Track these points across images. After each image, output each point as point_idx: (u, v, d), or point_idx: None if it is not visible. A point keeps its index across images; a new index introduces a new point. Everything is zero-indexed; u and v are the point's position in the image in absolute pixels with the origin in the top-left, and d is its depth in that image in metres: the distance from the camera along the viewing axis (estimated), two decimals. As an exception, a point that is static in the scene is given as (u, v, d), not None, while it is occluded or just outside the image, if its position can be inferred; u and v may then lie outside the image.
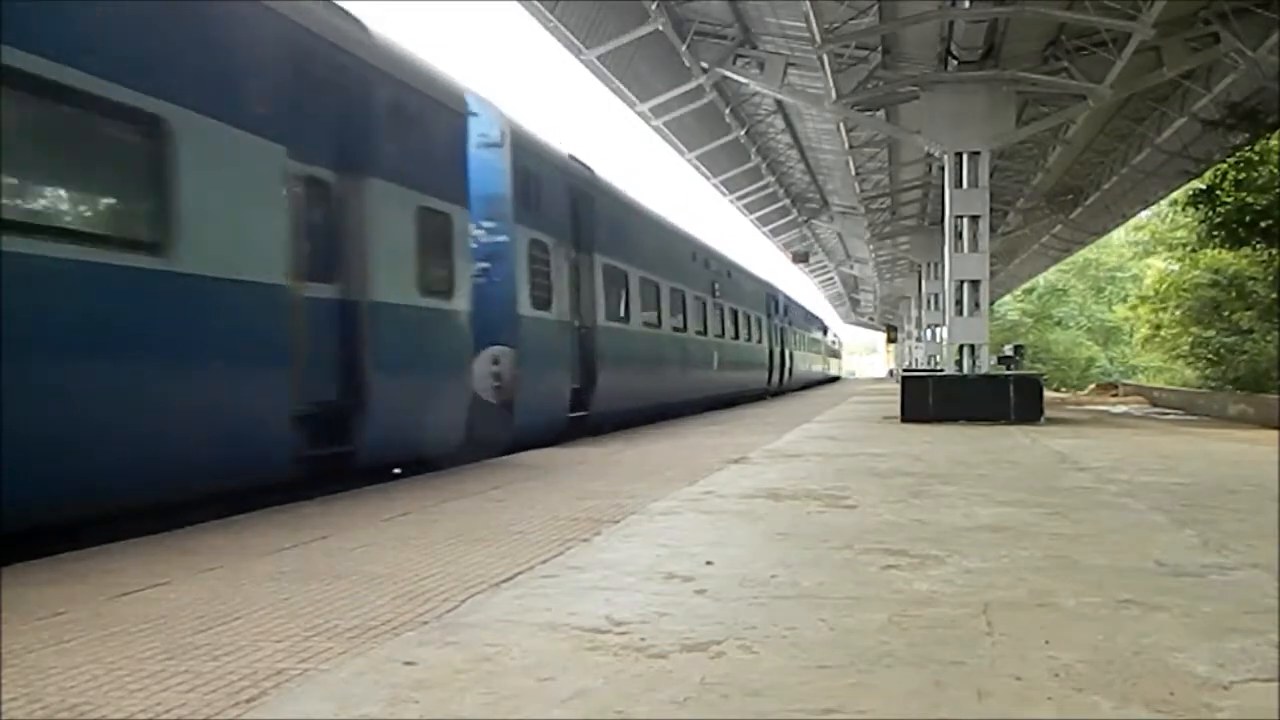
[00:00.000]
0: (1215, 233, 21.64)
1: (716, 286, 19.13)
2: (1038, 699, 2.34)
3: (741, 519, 5.22)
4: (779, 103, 19.78)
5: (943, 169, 15.97)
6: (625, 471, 7.65)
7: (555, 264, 10.29)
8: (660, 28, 15.00)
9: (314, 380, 6.04)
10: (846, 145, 21.52)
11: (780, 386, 28.16)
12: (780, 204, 29.85)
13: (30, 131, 4.29)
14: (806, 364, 36.72)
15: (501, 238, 9.23)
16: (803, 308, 37.18)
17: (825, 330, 47.68)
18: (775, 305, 27.77)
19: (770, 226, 33.04)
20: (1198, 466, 8.19)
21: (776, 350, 27.57)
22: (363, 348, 6.53)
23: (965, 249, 15.15)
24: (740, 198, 27.69)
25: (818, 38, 13.67)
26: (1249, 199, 20.23)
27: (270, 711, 2.32)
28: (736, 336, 21.24)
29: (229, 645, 2.85)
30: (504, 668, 2.62)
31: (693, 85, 17.42)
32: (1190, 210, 22.82)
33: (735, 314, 21.01)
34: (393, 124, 7.05)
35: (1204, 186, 21.68)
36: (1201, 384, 28.87)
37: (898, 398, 14.78)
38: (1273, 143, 19.14)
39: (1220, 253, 24.47)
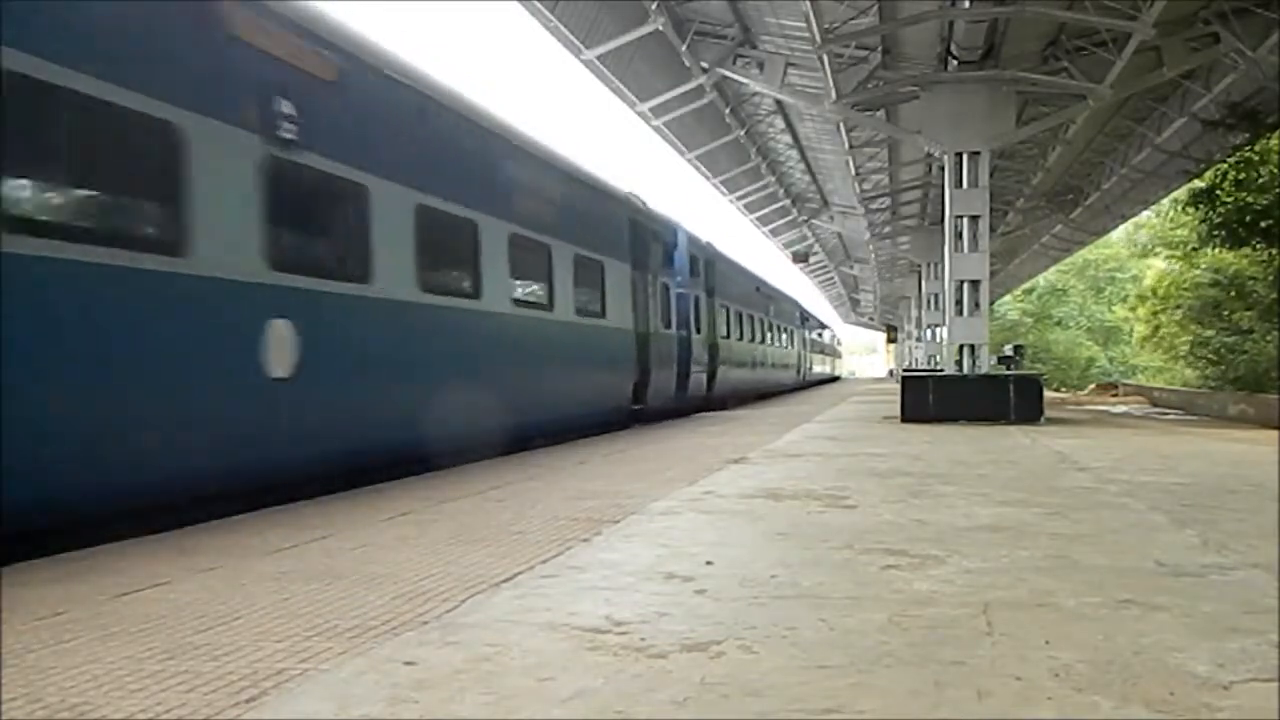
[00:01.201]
0: (1215, 233, 21.64)
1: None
2: (1038, 699, 2.34)
3: (741, 519, 5.22)
4: (779, 103, 19.78)
5: (943, 169, 15.98)
6: (625, 471, 7.64)
7: None
8: (660, 28, 15.00)
9: None
10: (846, 145, 21.52)
11: (647, 402, 13.81)
12: (780, 204, 29.86)
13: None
14: (757, 361, 23.74)
15: None
16: (749, 273, 23.40)
17: (804, 316, 34.87)
18: (641, 241, 13.85)
19: (770, 226, 33.05)
20: (1198, 466, 8.18)
21: (659, 330, 14.42)
22: None
23: (965, 249, 15.15)
24: (740, 198, 27.71)
25: (818, 38, 13.67)
26: (1249, 199, 20.23)
27: (270, 711, 2.32)
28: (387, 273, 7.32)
29: (229, 645, 2.85)
30: (504, 668, 2.62)
31: (693, 85, 17.43)
32: (1190, 210, 22.82)
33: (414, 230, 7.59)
34: None
35: (1204, 186, 21.69)
36: (1201, 384, 28.87)
37: (898, 398, 14.78)
38: (1273, 143, 19.14)
39: (1220, 253, 24.47)
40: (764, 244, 37.65)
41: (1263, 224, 19.99)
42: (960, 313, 15.30)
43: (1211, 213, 21.23)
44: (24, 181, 4.56)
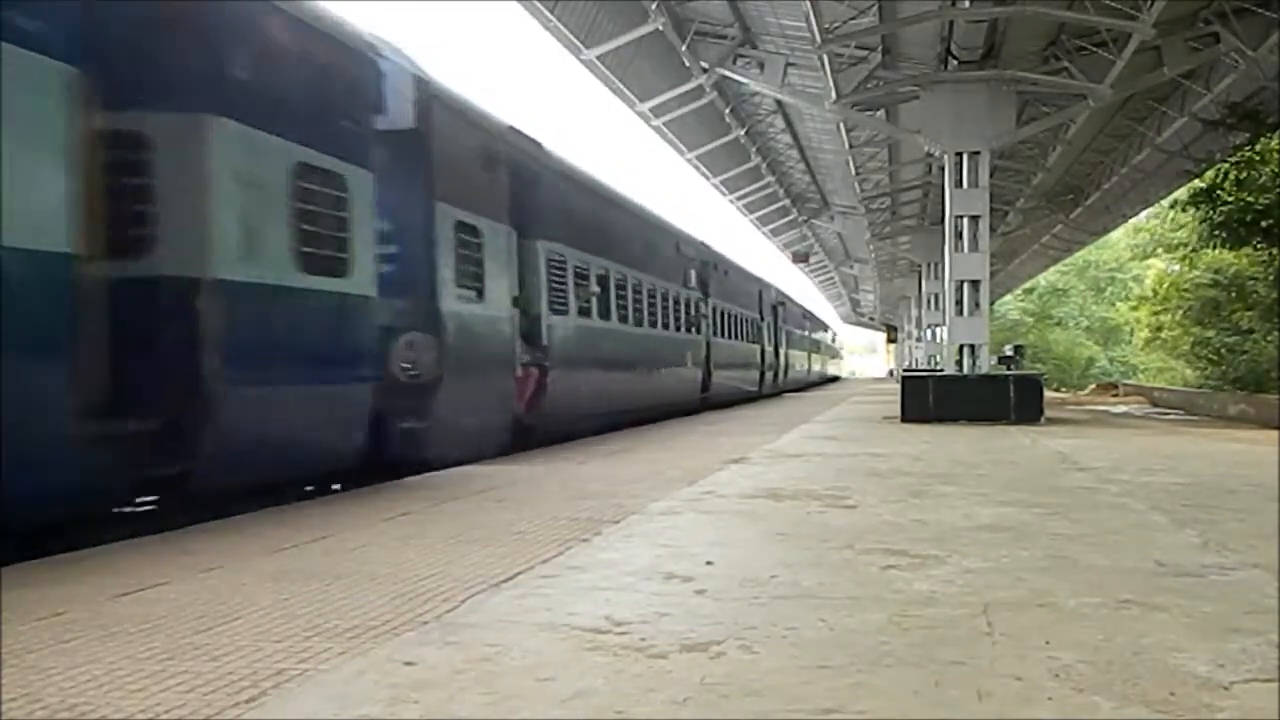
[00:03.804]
0: (1216, 233, 21.62)
1: None
2: (1038, 699, 2.34)
3: (741, 519, 5.22)
4: (779, 103, 19.77)
5: (943, 169, 15.97)
6: (625, 471, 7.65)
7: None
8: (660, 28, 15.00)
9: None
10: (846, 145, 21.51)
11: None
12: (780, 204, 29.85)
13: None
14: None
15: None
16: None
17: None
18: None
19: (770, 226, 33.04)
20: (1198, 466, 8.19)
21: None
22: None
23: (965, 249, 15.14)
24: (740, 198, 27.70)
25: (818, 38, 13.66)
26: (1249, 199, 20.21)
27: (270, 711, 2.32)
28: None
29: (229, 645, 2.85)
30: (504, 668, 2.62)
31: (693, 85, 17.42)
32: (1191, 210, 22.80)
33: None
34: None
35: (1204, 186, 21.68)
36: (1202, 384, 28.83)
37: (898, 398, 14.77)
38: (1273, 143, 19.11)
39: (1221, 253, 24.45)
40: (764, 244, 36.49)
41: (1263, 224, 19.96)
42: (960, 313, 15.29)
43: (1212, 213, 21.20)
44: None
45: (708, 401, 18.57)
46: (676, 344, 16.54)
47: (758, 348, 24.97)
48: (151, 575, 3.82)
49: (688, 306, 17.31)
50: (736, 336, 22.00)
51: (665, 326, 15.62)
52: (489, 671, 2.58)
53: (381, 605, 3.31)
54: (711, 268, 19.60)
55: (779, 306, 28.89)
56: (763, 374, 25.51)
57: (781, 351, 29.03)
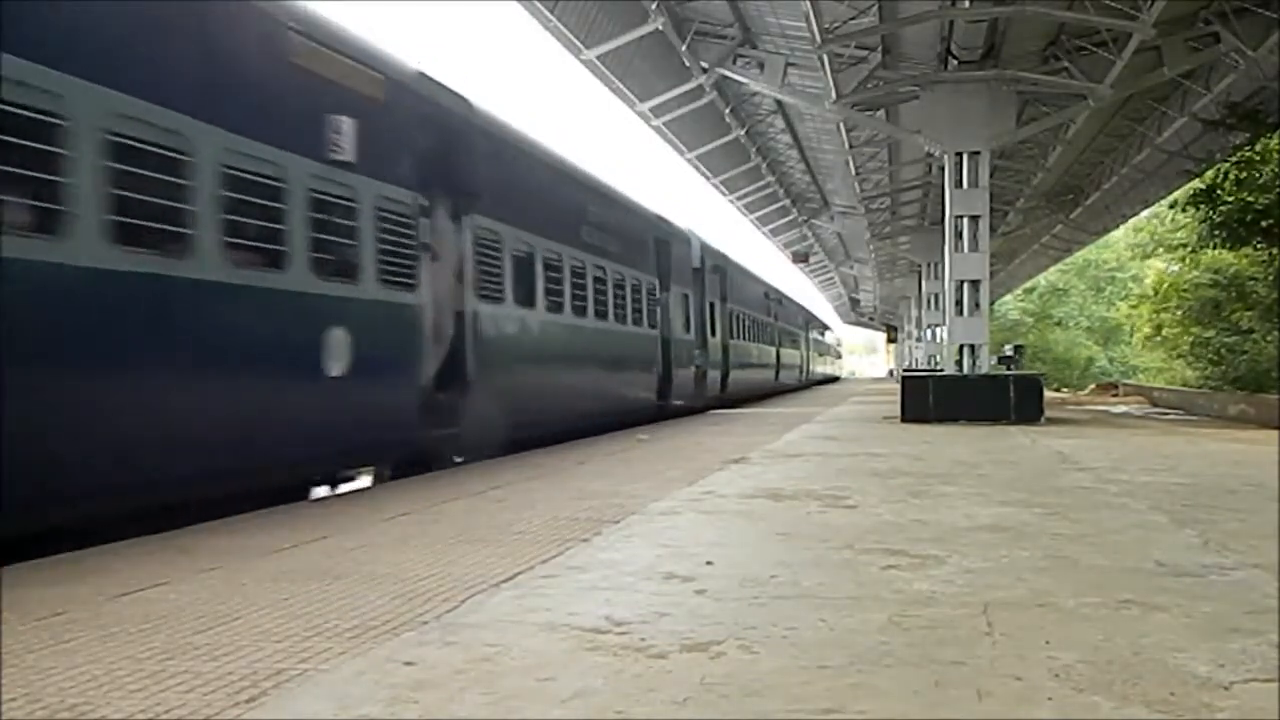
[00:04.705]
0: (1216, 233, 21.65)
1: None
2: (1038, 699, 2.34)
3: (741, 519, 5.22)
4: (779, 103, 19.77)
5: (943, 169, 15.98)
6: (625, 471, 7.65)
7: None
8: (660, 28, 14.99)
9: None
10: (846, 145, 21.52)
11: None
12: (780, 204, 29.87)
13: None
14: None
15: None
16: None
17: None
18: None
19: (770, 226, 33.05)
20: (1198, 466, 8.18)
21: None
22: None
23: (965, 249, 15.15)
24: (740, 198, 27.71)
25: (818, 38, 13.66)
26: (1249, 199, 20.23)
27: (270, 711, 2.32)
28: None
29: (229, 645, 2.85)
30: (504, 668, 2.62)
31: (693, 85, 17.42)
32: (1190, 210, 22.83)
33: None
34: None
35: (1204, 186, 21.70)
36: (1201, 384, 28.84)
37: (898, 398, 14.78)
38: (1273, 143, 19.12)
39: (1221, 253, 24.47)
40: (764, 244, 36.34)
41: (1263, 224, 19.97)
42: (960, 313, 15.29)
43: (1212, 213, 21.22)
44: None
45: (462, 443, 8.40)
46: (316, 319, 6.45)
47: (652, 335, 15.23)
48: (151, 575, 3.82)
49: (402, 237, 7.45)
50: (590, 312, 12.15)
51: (274, 264, 6.01)
52: (489, 671, 2.58)
53: (381, 605, 3.31)
54: (507, 164, 9.95)
55: (712, 274, 19.64)
56: (666, 378, 15.81)
57: (714, 342, 19.56)
